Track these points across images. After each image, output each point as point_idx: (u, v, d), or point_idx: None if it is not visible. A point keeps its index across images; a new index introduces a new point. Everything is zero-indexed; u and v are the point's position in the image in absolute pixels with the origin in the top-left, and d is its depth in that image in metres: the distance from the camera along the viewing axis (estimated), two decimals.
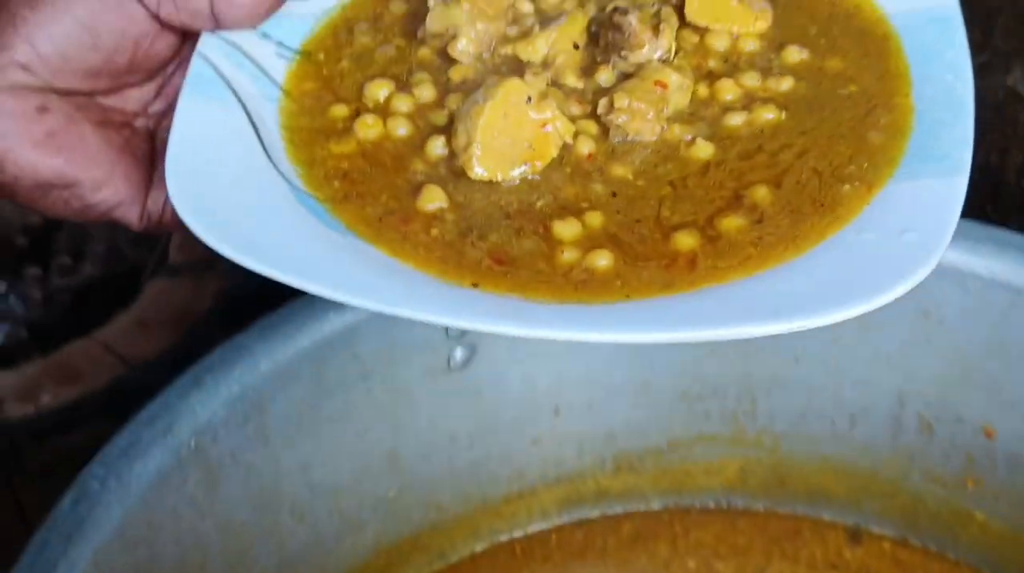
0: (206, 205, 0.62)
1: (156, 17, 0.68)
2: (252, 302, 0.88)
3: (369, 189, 0.66)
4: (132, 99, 0.73)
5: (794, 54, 0.72)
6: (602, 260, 0.61)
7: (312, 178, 0.66)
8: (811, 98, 0.69)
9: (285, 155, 0.68)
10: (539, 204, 0.64)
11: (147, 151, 0.73)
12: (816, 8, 0.76)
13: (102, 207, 0.70)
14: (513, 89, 0.65)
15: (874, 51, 0.71)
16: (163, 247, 1.32)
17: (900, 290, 0.57)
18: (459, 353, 0.95)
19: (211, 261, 1.24)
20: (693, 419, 1.02)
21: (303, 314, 0.87)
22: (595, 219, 0.63)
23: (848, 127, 0.67)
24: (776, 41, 0.73)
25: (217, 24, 0.70)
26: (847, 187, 0.64)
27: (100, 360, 1.19)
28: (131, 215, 0.71)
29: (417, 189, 0.65)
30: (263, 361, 0.86)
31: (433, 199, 0.64)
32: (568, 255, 0.62)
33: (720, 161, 0.66)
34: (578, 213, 0.64)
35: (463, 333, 0.93)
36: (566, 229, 0.63)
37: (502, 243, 0.63)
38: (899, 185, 0.63)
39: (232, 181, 0.64)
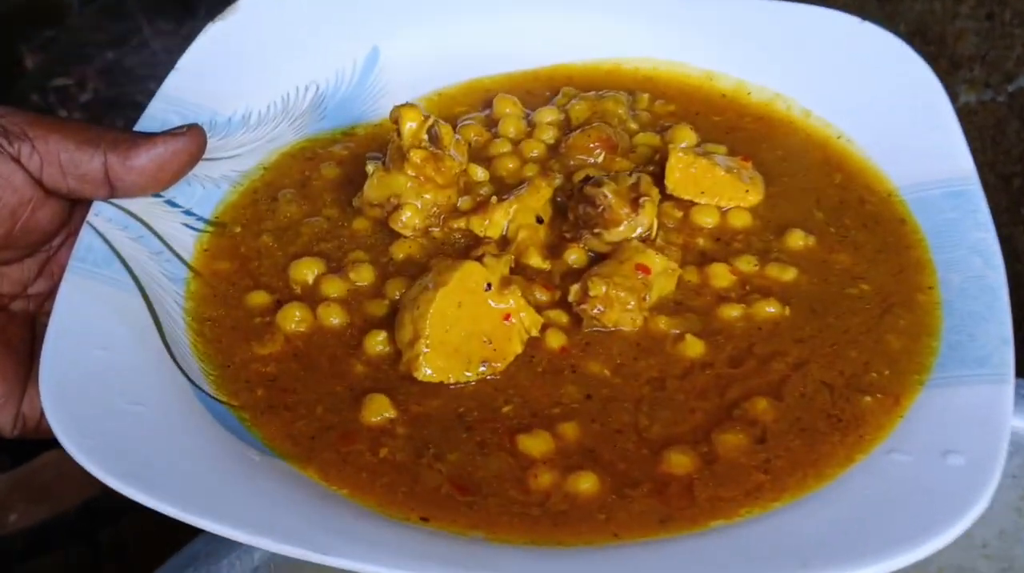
0: (88, 420, 0.50)
1: (39, 183, 0.57)
2: None
3: (302, 399, 0.54)
4: (9, 278, 0.61)
5: (798, 239, 0.62)
6: (585, 483, 0.50)
7: (226, 382, 0.54)
8: (814, 297, 0.59)
9: (192, 352, 0.56)
10: (505, 409, 0.53)
11: (25, 341, 0.60)
12: (823, 192, 0.66)
13: None
14: (469, 274, 0.54)
15: (892, 243, 0.62)
16: None
17: (952, 533, 0.46)
18: None
19: None
20: None
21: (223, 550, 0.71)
22: (570, 430, 0.52)
23: (858, 333, 0.57)
24: (774, 222, 0.63)
25: (112, 191, 0.58)
26: (868, 399, 0.53)
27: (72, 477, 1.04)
28: (4, 419, 0.58)
29: (359, 398, 0.53)
30: None
31: (379, 410, 0.53)
32: (543, 478, 0.50)
33: (708, 363, 0.55)
34: (550, 422, 0.52)
35: None
36: (536, 443, 0.51)
37: (464, 463, 0.51)
38: (933, 395, 0.53)
39: (123, 387, 0.52)
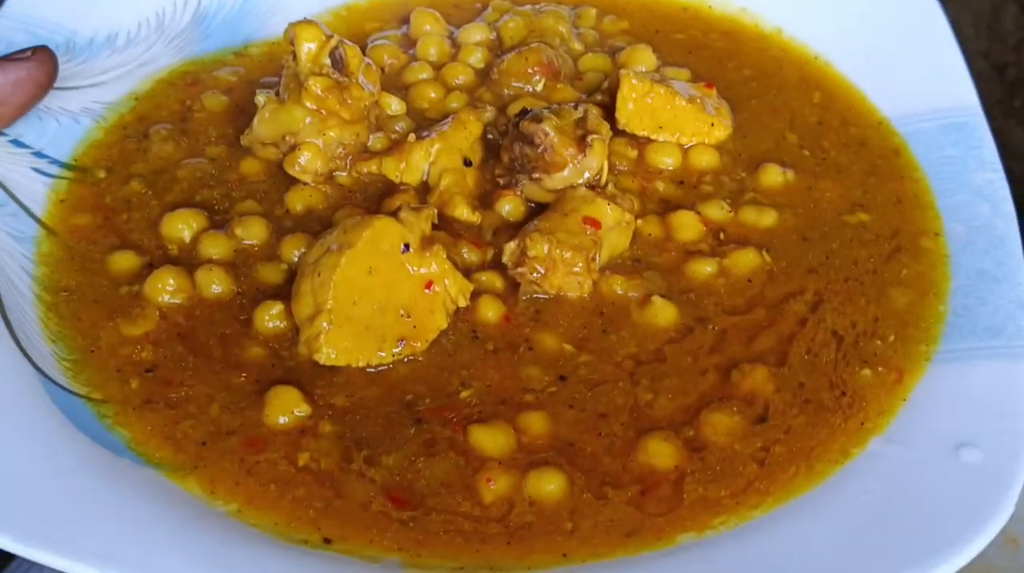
0: None
1: None
2: None
3: (190, 394, 0.43)
4: None
5: (774, 175, 0.53)
6: (550, 484, 0.41)
7: (87, 371, 0.44)
8: (806, 228, 0.50)
9: (42, 332, 0.45)
10: (463, 395, 0.44)
11: None
12: (798, 112, 0.57)
13: None
14: (382, 232, 0.44)
15: (883, 169, 0.53)
16: None
17: (968, 551, 0.37)
18: None
19: None
20: None
21: None
22: (535, 421, 0.43)
23: (866, 269, 0.49)
24: (744, 156, 0.54)
25: None
26: (868, 373, 0.45)
27: None
28: None
29: (264, 391, 0.43)
30: None
31: (287, 407, 0.42)
32: (499, 484, 0.41)
33: (690, 327, 0.46)
34: (516, 411, 0.43)
35: None
36: (491, 437, 0.42)
37: (403, 468, 0.41)
38: (940, 373, 0.44)
39: None
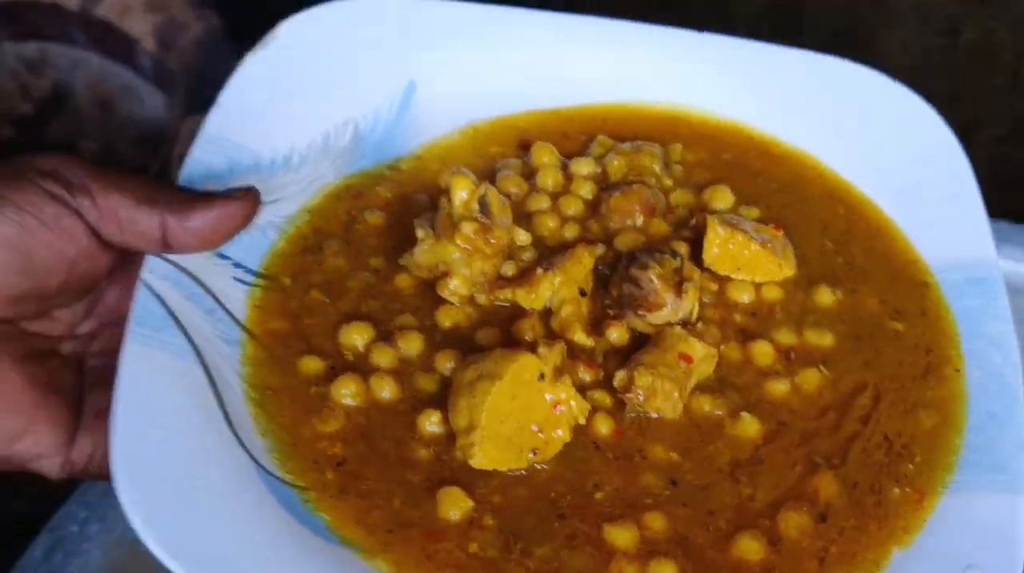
0: (159, 504, 0.51)
1: (96, 235, 0.58)
2: None
3: (375, 488, 0.55)
4: (60, 321, 0.62)
5: (826, 296, 0.65)
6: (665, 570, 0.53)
7: (293, 460, 0.56)
8: (857, 331, 0.64)
9: (253, 426, 0.57)
10: (597, 496, 0.56)
11: (74, 385, 0.61)
12: (830, 222, 0.70)
13: (16, 460, 0.59)
14: (525, 366, 0.56)
15: (905, 283, 0.66)
16: (166, 153, 1.15)
17: None
18: None
19: None
20: None
21: None
22: (656, 520, 0.55)
23: (909, 375, 0.62)
24: (803, 281, 0.66)
25: (166, 248, 0.59)
26: (897, 492, 0.57)
27: None
28: (51, 466, 0.60)
29: (433, 489, 0.55)
30: None
31: (456, 504, 0.54)
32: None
33: (774, 431, 0.59)
34: (640, 511, 0.55)
35: None
36: (621, 534, 0.54)
37: (551, 558, 0.53)
38: (953, 498, 0.57)
39: (189, 468, 0.53)
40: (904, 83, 0.73)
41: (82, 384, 0.61)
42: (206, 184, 0.63)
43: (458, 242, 0.62)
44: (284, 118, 0.68)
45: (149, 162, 1.20)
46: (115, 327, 0.61)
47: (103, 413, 0.56)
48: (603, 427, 0.58)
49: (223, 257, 0.62)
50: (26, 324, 0.60)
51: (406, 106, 0.72)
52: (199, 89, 1.17)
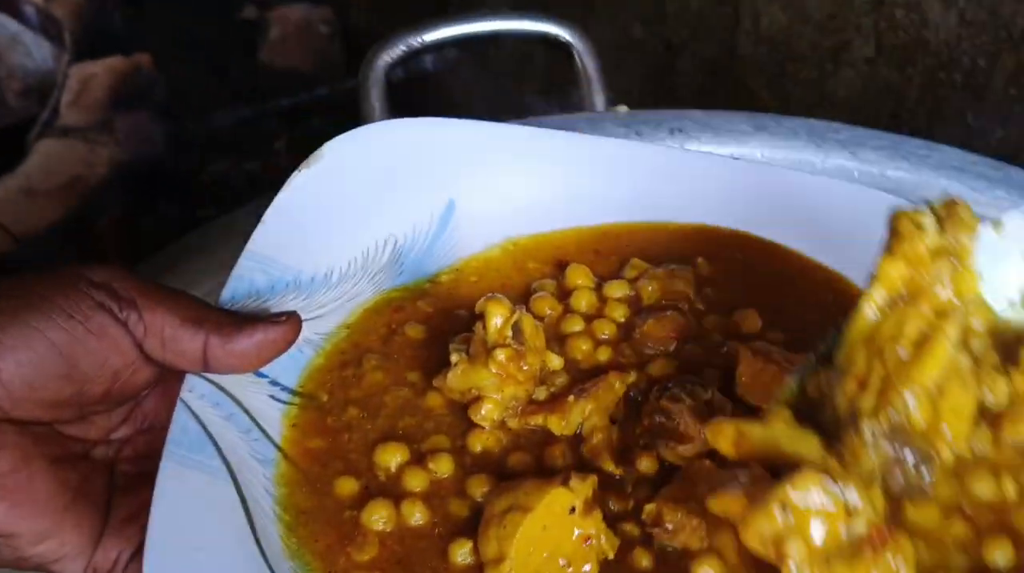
0: None
1: (140, 348, 0.59)
2: (151, 176, 0.75)
3: None
4: (96, 425, 0.63)
5: None
6: None
7: None
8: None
9: (283, 552, 0.58)
10: None
11: (103, 490, 0.63)
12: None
13: (37, 560, 0.59)
14: (556, 499, 0.57)
15: None
16: (55, 102, 1.14)
17: None
18: None
19: (108, 122, 1.08)
20: None
21: None
22: None
23: None
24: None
25: (207, 368, 0.61)
26: None
27: None
28: (74, 569, 0.60)
29: None
30: None
31: None
32: None
33: None
34: None
35: None
36: None
37: None
38: None
39: None
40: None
41: (111, 488, 0.63)
42: (248, 301, 0.64)
43: (491, 368, 0.63)
44: (325, 236, 0.69)
45: (35, 113, 1.21)
46: (149, 433, 0.63)
47: (130, 519, 0.57)
48: (644, 560, 0.59)
49: (261, 375, 0.64)
50: (62, 427, 0.61)
51: (445, 224, 0.73)
52: (85, 37, 1.18)
